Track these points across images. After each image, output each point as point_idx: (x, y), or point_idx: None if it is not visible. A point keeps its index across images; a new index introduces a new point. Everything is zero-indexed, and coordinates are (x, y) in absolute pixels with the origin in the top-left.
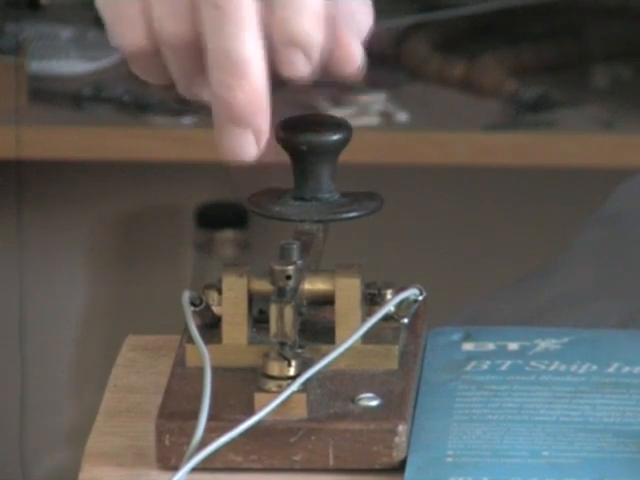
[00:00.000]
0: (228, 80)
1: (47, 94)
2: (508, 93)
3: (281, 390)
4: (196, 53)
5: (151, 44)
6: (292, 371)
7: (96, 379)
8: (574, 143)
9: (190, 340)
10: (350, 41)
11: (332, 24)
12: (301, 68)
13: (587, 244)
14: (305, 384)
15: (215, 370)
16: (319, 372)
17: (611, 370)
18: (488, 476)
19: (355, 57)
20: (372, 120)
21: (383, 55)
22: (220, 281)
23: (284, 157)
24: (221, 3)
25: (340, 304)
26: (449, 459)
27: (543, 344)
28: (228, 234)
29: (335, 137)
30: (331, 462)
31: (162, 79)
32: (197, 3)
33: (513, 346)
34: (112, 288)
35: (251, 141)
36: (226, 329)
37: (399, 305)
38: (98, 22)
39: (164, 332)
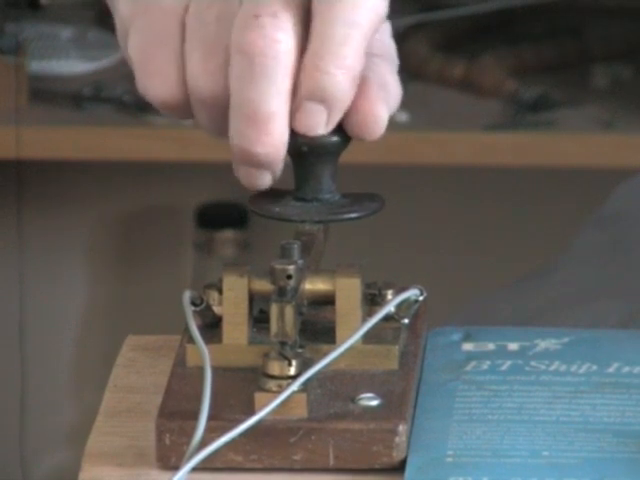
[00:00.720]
0: (249, 133)
1: (47, 94)
2: (508, 93)
3: (281, 390)
4: (226, 105)
5: (183, 99)
6: (292, 371)
7: (96, 379)
8: (574, 143)
9: (190, 340)
10: (377, 104)
11: (363, 85)
12: (319, 127)
13: (587, 244)
14: (305, 384)
15: (215, 370)
16: (319, 372)
17: (611, 370)
18: (488, 476)
19: (378, 122)
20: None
21: None
22: (220, 281)
23: (284, 157)
24: (252, 54)
25: (340, 304)
26: (449, 459)
27: (543, 344)
28: (228, 234)
29: (336, 138)
30: (331, 462)
31: (187, 118)
32: (229, 58)
33: (513, 346)
34: (112, 288)
35: (268, 178)
36: (226, 329)
37: (399, 305)
38: (98, 22)
39: (164, 332)
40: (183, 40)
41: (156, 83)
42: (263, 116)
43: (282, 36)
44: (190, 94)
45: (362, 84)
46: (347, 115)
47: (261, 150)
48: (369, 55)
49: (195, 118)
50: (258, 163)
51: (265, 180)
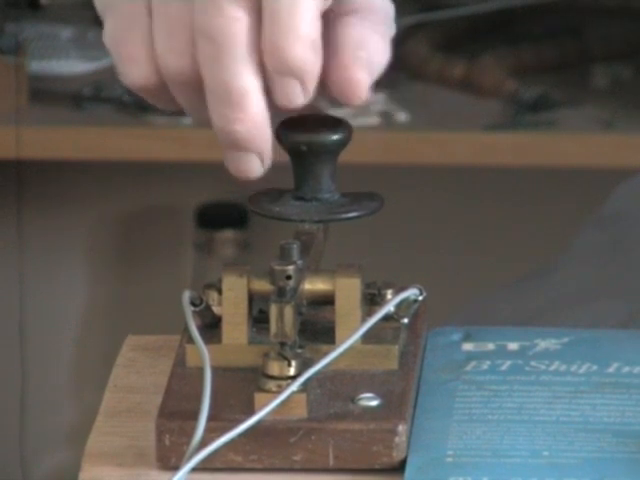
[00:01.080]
0: (226, 113)
1: (47, 94)
2: (508, 93)
3: (281, 390)
4: (200, 85)
5: (157, 80)
6: (292, 371)
7: (96, 379)
8: (574, 143)
9: (190, 340)
10: (352, 67)
11: (336, 50)
12: (296, 97)
13: (587, 244)
14: (305, 384)
15: (215, 370)
16: (319, 372)
17: (611, 370)
18: (488, 476)
19: (358, 86)
20: (372, 120)
21: None
22: (220, 281)
23: (284, 157)
24: (214, 35)
25: (340, 304)
26: (449, 459)
27: (543, 344)
28: (228, 234)
29: (335, 137)
30: (331, 462)
31: (173, 106)
32: (195, 37)
33: (513, 346)
34: (112, 288)
35: (256, 162)
36: (226, 329)
37: (399, 305)
38: (98, 22)
39: (164, 332)
40: (151, 22)
41: (131, 68)
42: (235, 93)
43: (240, 14)
44: (164, 77)
45: (333, 50)
46: (326, 83)
47: (240, 127)
48: (340, 15)
49: (179, 104)
50: (241, 143)
51: (254, 165)
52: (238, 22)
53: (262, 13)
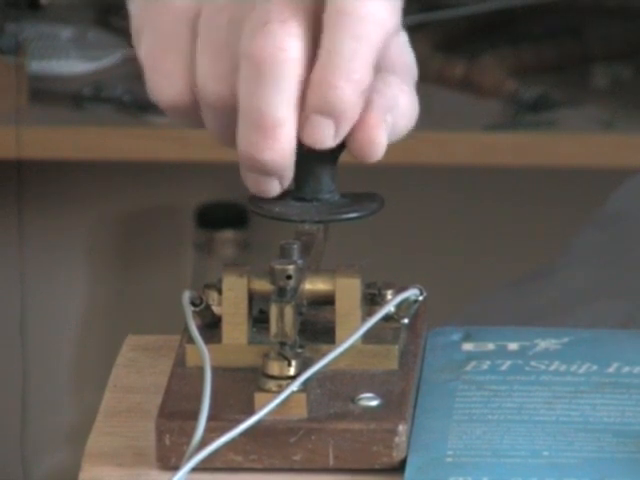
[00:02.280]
0: (256, 140)
1: (47, 94)
2: (508, 93)
3: (281, 390)
4: (233, 110)
5: (190, 100)
6: (292, 371)
7: (96, 379)
8: (574, 143)
9: (190, 340)
10: (377, 129)
11: (366, 109)
12: (326, 139)
13: (587, 244)
14: (305, 384)
15: (215, 370)
16: (319, 372)
17: (611, 370)
18: (488, 476)
19: (376, 148)
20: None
21: None
22: (220, 281)
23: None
24: (260, 62)
25: (340, 304)
26: (449, 459)
27: (543, 344)
28: (228, 234)
29: None
30: (331, 462)
31: (197, 126)
32: (238, 63)
33: (513, 346)
34: (112, 288)
35: (275, 185)
36: (226, 329)
37: (399, 305)
38: (98, 22)
39: (164, 332)
40: (193, 43)
41: (165, 85)
42: (270, 123)
43: (291, 43)
44: (199, 98)
45: (365, 107)
46: (347, 137)
47: (267, 157)
48: (378, 72)
49: (204, 124)
50: (265, 170)
51: (273, 187)
52: (287, 52)
53: (319, 49)
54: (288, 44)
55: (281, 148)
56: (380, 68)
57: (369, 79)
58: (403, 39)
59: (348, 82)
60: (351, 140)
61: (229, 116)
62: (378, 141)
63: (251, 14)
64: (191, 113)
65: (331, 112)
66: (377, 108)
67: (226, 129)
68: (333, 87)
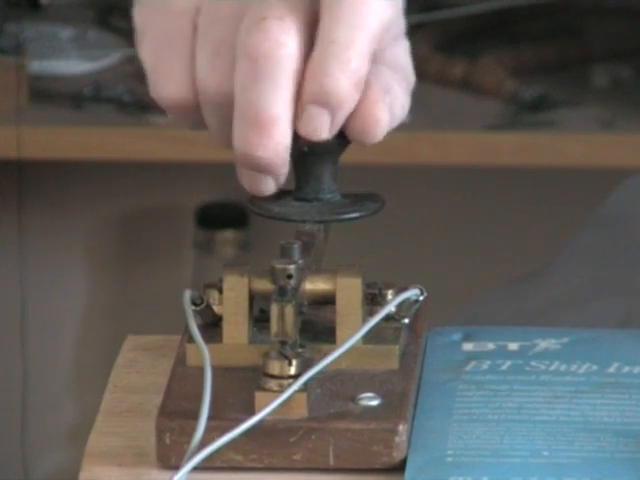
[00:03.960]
0: (251, 137)
1: (47, 94)
2: (508, 93)
3: (282, 389)
4: (233, 108)
5: (192, 98)
6: (293, 370)
7: (96, 379)
8: (574, 143)
9: (191, 339)
10: (378, 104)
11: (366, 88)
12: (322, 130)
13: (587, 244)
14: (306, 384)
15: (216, 369)
16: (320, 372)
17: (611, 370)
18: (488, 476)
19: (379, 124)
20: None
21: None
22: (221, 281)
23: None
24: (257, 57)
25: (341, 304)
26: (449, 459)
27: (543, 344)
28: (228, 234)
29: (337, 138)
30: (331, 462)
31: (196, 126)
32: (237, 57)
33: (513, 346)
34: (112, 288)
35: (271, 183)
36: (227, 328)
37: (400, 305)
38: (98, 22)
39: (164, 332)
40: (194, 41)
41: (167, 84)
42: (265, 119)
43: (287, 39)
44: (199, 95)
45: (365, 88)
46: (348, 118)
47: (262, 154)
48: (376, 63)
49: (205, 125)
50: (260, 167)
51: (268, 186)
52: (283, 47)
53: (316, 40)
54: (285, 40)
55: (275, 145)
56: (376, 62)
57: (365, 69)
58: (404, 45)
59: (344, 71)
60: (352, 119)
61: (229, 114)
62: (380, 117)
63: (249, 10)
64: (192, 112)
65: (327, 101)
66: (375, 86)
67: (225, 128)
68: (329, 75)
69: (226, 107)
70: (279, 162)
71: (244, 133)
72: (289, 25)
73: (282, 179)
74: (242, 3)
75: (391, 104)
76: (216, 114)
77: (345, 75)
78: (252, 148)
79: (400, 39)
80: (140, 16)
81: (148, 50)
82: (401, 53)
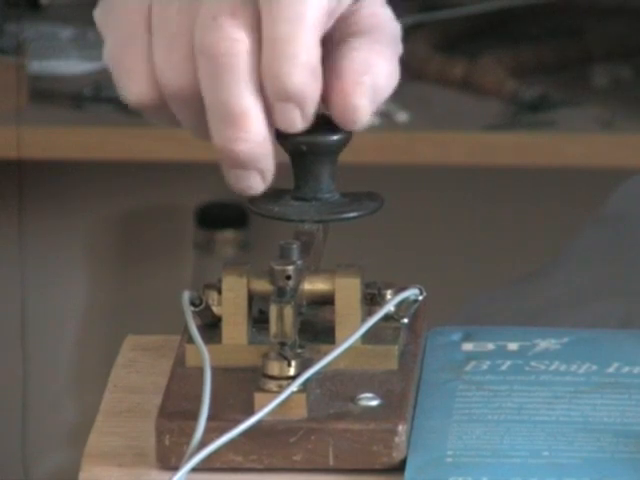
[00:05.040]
0: (227, 132)
1: (47, 94)
2: (508, 93)
3: (281, 390)
4: (200, 103)
5: (156, 96)
6: (292, 371)
7: (96, 379)
8: (574, 143)
9: (190, 340)
10: (353, 94)
11: (339, 74)
12: (296, 122)
13: (587, 244)
14: (305, 384)
15: (215, 370)
16: (319, 372)
17: (611, 370)
18: (488, 476)
19: (357, 112)
20: (372, 120)
21: None
22: (220, 281)
23: (284, 157)
24: (214, 54)
25: (340, 304)
26: (449, 459)
27: (543, 344)
28: (228, 234)
29: (335, 137)
30: (331, 462)
31: (173, 124)
32: (193, 51)
33: (513, 346)
34: (112, 288)
35: (257, 179)
36: (226, 329)
37: (399, 305)
38: None
39: (164, 332)
40: (150, 39)
41: (130, 84)
42: (236, 114)
43: (241, 35)
44: (163, 94)
45: (336, 74)
46: (328, 108)
47: (242, 147)
48: (345, 36)
49: (179, 121)
50: (242, 162)
51: (255, 182)
52: (239, 43)
53: (262, 39)
54: (239, 36)
55: (252, 137)
56: (344, 35)
57: (315, 58)
58: (384, 11)
59: (294, 66)
60: (331, 110)
61: (196, 108)
62: (357, 104)
63: (201, 9)
64: (162, 110)
65: (288, 97)
66: (348, 74)
67: (199, 123)
68: (282, 74)
69: (191, 100)
70: (260, 154)
71: (219, 130)
72: (241, 21)
73: (268, 175)
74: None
75: (373, 82)
76: (184, 109)
77: (296, 70)
78: (230, 144)
79: (373, 4)
80: (98, 18)
81: (108, 53)
82: (376, 9)
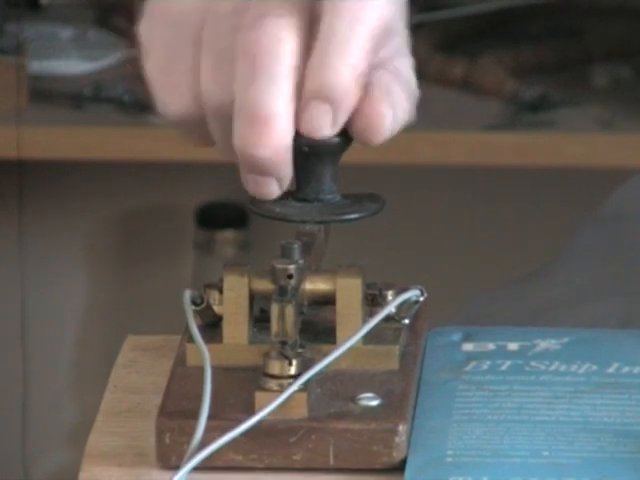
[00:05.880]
0: (250, 135)
1: (47, 94)
2: (508, 93)
3: (282, 389)
4: None
5: (197, 112)
6: (293, 370)
7: (96, 379)
8: (574, 143)
9: (191, 339)
10: (382, 103)
11: (368, 88)
12: (324, 127)
13: (587, 244)
14: (306, 384)
15: (216, 369)
16: (320, 372)
17: (611, 370)
18: (488, 476)
19: (383, 122)
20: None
21: None
22: (221, 281)
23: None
24: (255, 53)
25: (341, 304)
26: (449, 459)
27: (543, 344)
28: (228, 234)
29: (337, 138)
30: (331, 462)
31: (204, 142)
32: (236, 57)
33: (513, 346)
34: (112, 288)
35: (274, 186)
36: (227, 328)
37: (400, 306)
38: (98, 22)
39: (164, 332)
40: (199, 55)
41: (172, 99)
42: (265, 117)
43: (286, 35)
44: (205, 109)
45: (367, 88)
46: (351, 117)
47: (263, 153)
48: (378, 66)
49: (212, 140)
50: (261, 168)
51: (272, 189)
52: (283, 43)
53: (317, 34)
54: (284, 36)
55: (275, 143)
56: (376, 67)
57: (365, 64)
58: (407, 61)
59: (345, 64)
60: (356, 119)
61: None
62: (384, 116)
63: (248, 13)
64: (198, 126)
65: (328, 95)
66: (377, 87)
67: (231, 143)
68: (330, 68)
69: (230, 120)
70: (280, 162)
71: (243, 132)
72: (288, 22)
73: (285, 181)
74: (245, 15)
75: (393, 105)
76: (221, 127)
77: (346, 68)
78: (252, 147)
79: (403, 55)
80: (144, 30)
81: (153, 66)
82: (404, 66)
